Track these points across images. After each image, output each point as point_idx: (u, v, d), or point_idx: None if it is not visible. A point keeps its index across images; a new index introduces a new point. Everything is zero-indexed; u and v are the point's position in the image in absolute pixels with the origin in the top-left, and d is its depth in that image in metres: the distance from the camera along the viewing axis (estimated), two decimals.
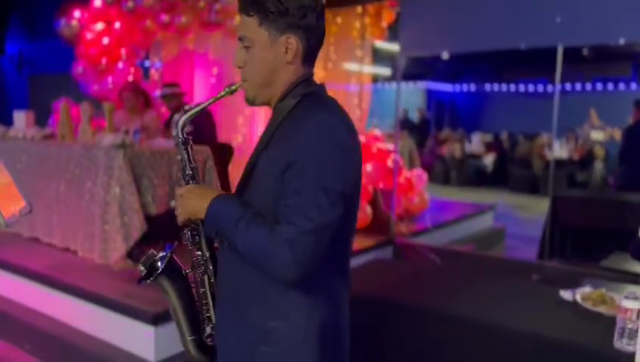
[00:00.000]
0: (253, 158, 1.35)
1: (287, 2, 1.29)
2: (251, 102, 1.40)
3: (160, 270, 1.41)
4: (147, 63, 6.61)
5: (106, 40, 5.91)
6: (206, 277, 1.46)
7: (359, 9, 5.73)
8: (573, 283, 2.61)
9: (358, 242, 4.73)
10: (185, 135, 1.45)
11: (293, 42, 1.32)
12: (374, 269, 3.23)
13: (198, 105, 1.42)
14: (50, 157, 4.32)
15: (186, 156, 1.45)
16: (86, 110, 4.46)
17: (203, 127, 4.52)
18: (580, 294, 2.47)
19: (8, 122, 5.20)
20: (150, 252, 1.46)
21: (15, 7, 9.64)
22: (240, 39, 1.35)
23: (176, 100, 4.99)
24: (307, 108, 1.31)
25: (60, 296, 3.51)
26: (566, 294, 2.51)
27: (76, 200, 4.04)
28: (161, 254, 1.44)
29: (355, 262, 4.04)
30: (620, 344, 2.01)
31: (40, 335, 3.44)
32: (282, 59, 1.33)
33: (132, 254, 3.76)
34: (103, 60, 5.86)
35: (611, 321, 2.08)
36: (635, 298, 1.96)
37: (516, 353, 2.19)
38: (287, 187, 1.23)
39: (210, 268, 1.45)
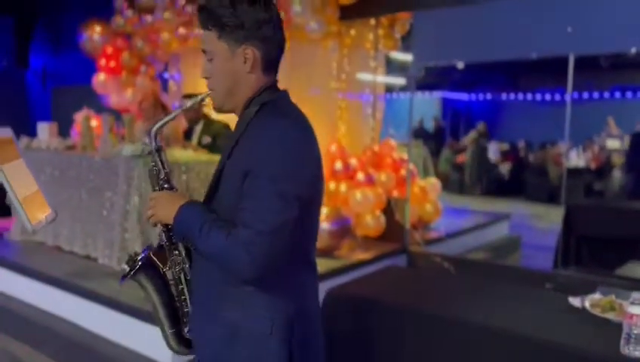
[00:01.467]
0: (220, 166, 1.43)
1: (242, 16, 1.36)
2: (218, 110, 1.49)
3: (137, 267, 1.51)
4: (166, 75, 6.77)
5: (126, 53, 6.09)
6: (182, 274, 1.54)
7: (372, 21, 5.81)
8: (587, 292, 2.62)
9: (372, 250, 4.77)
10: (158, 143, 1.54)
11: (250, 53, 1.39)
12: (384, 276, 3.27)
13: (169, 115, 1.52)
14: (72, 167, 4.45)
15: (159, 162, 1.54)
16: (107, 121, 4.59)
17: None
18: (589, 301, 2.48)
19: (32, 133, 5.36)
20: (133, 252, 1.56)
21: (40, 21, 9.89)
22: (203, 52, 1.44)
23: (193, 111, 5.10)
24: (264, 117, 1.38)
25: (81, 301, 3.63)
26: (575, 301, 2.53)
27: (97, 209, 4.17)
28: (141, 254, 1.54)
29: (368, 269, 4.13)
30: (627, 350, 2.02)
31: (61, 339, 3.55)
32: (243, 70, 1.40)
33: None
34: (123, 73, 6.03)
35: (619, 327, 2.10)
36: None
37: (522, 358, 2.22)
38: (245, 192, 1.31)
39: (187, 265, 1.53)
